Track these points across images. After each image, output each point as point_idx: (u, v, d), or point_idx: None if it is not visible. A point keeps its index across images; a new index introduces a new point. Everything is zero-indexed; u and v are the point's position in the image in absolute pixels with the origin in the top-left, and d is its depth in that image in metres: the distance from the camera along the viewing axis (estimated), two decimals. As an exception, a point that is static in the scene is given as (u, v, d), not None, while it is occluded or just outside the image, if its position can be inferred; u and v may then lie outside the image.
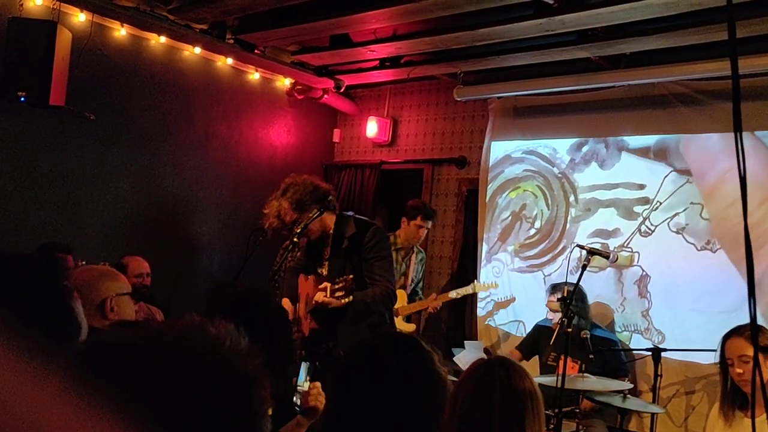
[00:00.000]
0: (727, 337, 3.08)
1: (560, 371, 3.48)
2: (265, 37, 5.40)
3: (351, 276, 3.47)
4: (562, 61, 5.03)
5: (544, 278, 5.35)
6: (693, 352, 4.30)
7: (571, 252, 4.54)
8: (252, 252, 3.96)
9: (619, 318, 4.98)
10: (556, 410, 3.42)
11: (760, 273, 4.26)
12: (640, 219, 4.97)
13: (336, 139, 6.97)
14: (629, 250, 4.99)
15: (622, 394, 3.63)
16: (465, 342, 5.07)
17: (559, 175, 5.44)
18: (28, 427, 0.58)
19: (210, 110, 5.92)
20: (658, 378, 3.92)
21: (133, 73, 5.39)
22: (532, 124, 5.63)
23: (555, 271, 5.27)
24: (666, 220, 4.85)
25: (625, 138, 5.12)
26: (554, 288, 4.74)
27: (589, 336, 4.22)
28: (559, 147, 5.47)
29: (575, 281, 3.80)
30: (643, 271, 4.92)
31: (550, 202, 5.48)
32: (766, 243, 4.32)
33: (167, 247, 5.51)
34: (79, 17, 4.97)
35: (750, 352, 2.94)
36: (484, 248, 5.78)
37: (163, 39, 5.42)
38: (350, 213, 3.90)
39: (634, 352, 4.70)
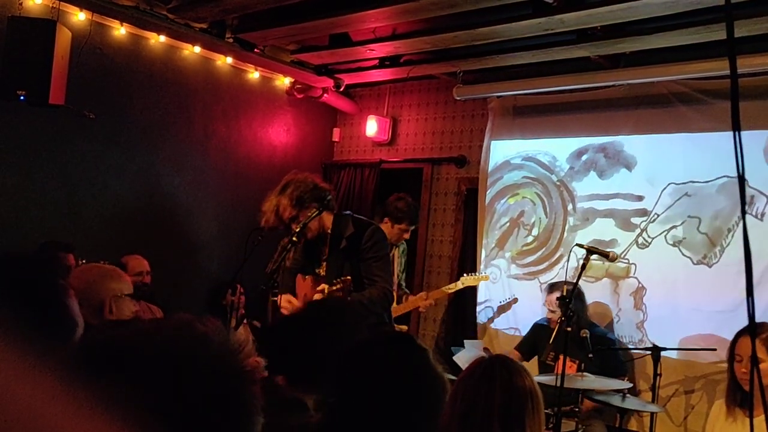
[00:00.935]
0: (741, 334, 3.10)
1: (559, 370, 3.48)
2: (264, 36, 5.40)
3: (349, 277, 3.46)
4: (561, 61, 5.03)
5: (540, 285, 5.34)
6: (692, 351, 4.31)
7: (570, 256, 4.52)
8: (251, 251, 3.96)
9: (614, 328, 4.96)
10: (556, 409, 3.42)
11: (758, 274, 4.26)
12: (638, 230, 4.95)
13: (335, 138, 6.97)
14: (626, 261, 4.98)
15: (621, 394, 3.63)
16: (465, 341, 5.06)
17: (558, 183, 5.43)
18: (22, 425, 0.58)
19: (209, 109, 5.92)
20: (658, 377, 3.92)
21: (133, 72, 5.39)
22: (531, 123, 5.62)
23: (552, 278, 5.24)
24: (663, 232, 4.83)
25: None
26: (552, 287, 4.74)
27: (588, 335, 4.22)
28: (559, 154, 5.46)
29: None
30: (639, 282, 4.91)
31: (548, 209, 5.47)
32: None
33: (167, 245, 5.51)
34: (79, 16, 4.97)
35: (763, 354, 2.98)
36: (483, 253, 5.77)
37: (162, 38, 5.42)
38: (348, 213, 3.88)
39: (633, 351, 4.70)
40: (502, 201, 5.73)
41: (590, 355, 4.12)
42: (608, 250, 4.78)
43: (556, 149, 5.47)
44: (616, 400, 3.64)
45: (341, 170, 6.74)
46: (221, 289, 5.53)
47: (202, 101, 5.86)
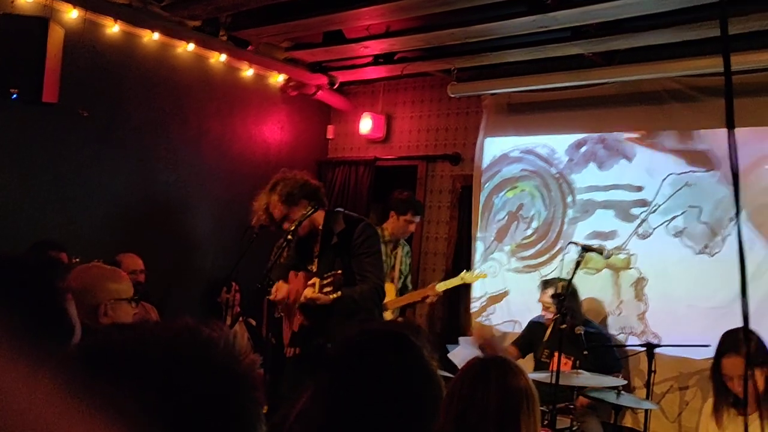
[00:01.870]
0: (722, 355, 3.13)
1: (554, 367, 3.49)
2: (258, 33, 5.39)
3: (339, 271, 3.46)
4: (555, 58, 5.04)
5: (540, 278, 5.35)
6: (686, 347, 4.32)
7: (565, 252, 4.53)
8: (246, 249, 3.96)
9: (615, 320, 4.98)
10: (551, 407, 3.44)
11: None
12: (638, 221, 4.96)
13: (330, 135, 6.96)
14: (626, 252, 4.99)
15: (616, 390, 3.64)
16: (459, 338, 5.07)
17: (557, 176, 5.44)
18: (21, 428, 0.58)
19: (203, 107, 5.90)
20: (652, 374, 3.94)
21: (127, 69, 5.37)
22: (525, 120, 5.63)
23: (551, 271, 5.23)
24: (664, 222, 4.84)
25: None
26: (546, 284, 4.75)
27: (583, 332, 4.23)
28: (557, 147, 5.46)
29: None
30: (640, 273, 4.92)
31: (547, 202, 5.48)
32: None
33: (161, 243, 5.49)
34: (72, 14, 4.95)
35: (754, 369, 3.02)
36: (481, 247, 5.78)
37: (156, 36, 5.40)
38: (340, 209, 3.89)
39: (627, 348, 4.72)
40: (501, 194, 5.73)
41: (585, 352, 4.13)
42: (605, 244, 4.82)
43: (555, 141, 5.48)
44: (610, 397, 3.65)
45: (336, 168, 6.74)
46: (216, 286, 5.54)
47: (196, 99, 5.84)
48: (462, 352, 4.68)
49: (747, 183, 4.36)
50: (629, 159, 5.08)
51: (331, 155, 6.95)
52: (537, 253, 5.48)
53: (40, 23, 4.39)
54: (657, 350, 3.99)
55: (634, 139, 5.07)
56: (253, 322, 5.50)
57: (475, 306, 5.74)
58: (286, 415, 1.78)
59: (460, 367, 1.95)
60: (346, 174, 6.61)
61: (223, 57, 5.85)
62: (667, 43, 4.51)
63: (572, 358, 4.37)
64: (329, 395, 1.58)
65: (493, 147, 5.79)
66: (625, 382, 4.22)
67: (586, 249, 3.86)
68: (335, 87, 6.35)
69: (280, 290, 3.75)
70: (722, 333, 3.36)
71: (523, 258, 5.55)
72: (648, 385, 3.94)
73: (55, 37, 4.48)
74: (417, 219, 5.29)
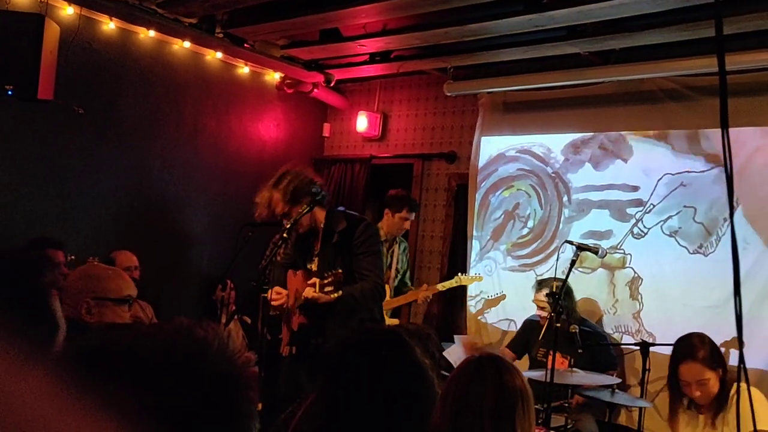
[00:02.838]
0: (679, 362, 3.24)
1: (549, 366, 3.50)
2: (254, 31, 5.38)
3: (340, 270, 3.45)
4: (552, 57, 5.04)
5: (536, 277, 5.35)
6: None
7: (561, 251, 4.53)
8: (242, 247, 3.96)
9: (610, 319, 4.99)
10: (546, 405, 3.44)
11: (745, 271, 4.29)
12: (633, 221, 4.97)
13: (326, 133, 6.96)
14: (621, 251, 5.00)
15: (610, 389, 3.65)
16: (455, 336, 5.08)
17: (553, 175, 5.44)
18: (15, 427, 0.58)
19: (199, 104, 5.90)
20: (647, 372, 3.94)
21: (122, 66, 5.36)
22: (521, 119, 5.64)
23: (547, 270, 5.24)
24: (659, 222, 4.86)
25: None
26: (541, 284, 4.75)
27: (578, 330, 4.24)
28: (553, 146, 5.46)
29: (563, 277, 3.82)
30: (635, 273, 4.93)
31: (543, 201, 5.49)
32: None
33: (157, 241, 5.49)
34: (67, 10, 4.94)
35: (707, 375, 3.23)
36: (477, 246, 5.79)
37: (152, 33, 5.39)
38: (341, 208, 3.88)
39: (622, 346, 4.73)
40: (497, 193, 5.74)
41: (580, 351, 4.14)
42: (600, 243, 4.82)
43: (551, 141, 5.49)
44: (605, 396, 3.66)
45: (331, 165, 6.74)
46: (211, 284, 5.54)
47: (192, 96, 5.84)
48: (457, 350, 4.69)
49: (742, 179, 4.37)
50: (625, 159, 5.09)
51: (327, 153, 6.95)
52: (533, 252, 5.49)
53: (35, 20, 4.38)
54: (651, 349, 3.99)
55: (630, 139, 5.08)
56: (248, 320, 5.50)
57: (471, 304, 5.75)
58: (293, 412, 1.79)
59: (455, 366, 1.96)
60: (342, 172, 6.61)
61: (220, 54, 5.84)
62: (662, 43, 4.52)
63: (567, 357, 4.39)
64: (327, 395, 1.59)
65: (490, 146, 5.80)
66: (620, 380, 4.23)
67: (581, 248, 3.87)
68: (331, 85, 6.34)
69: (281, 295, 3.74)
70: (676, 339, 3.48)
71: (519, 257, 5.56)
72: (642, 383, 3.95)
73: (51, 33, 4.47)
74: (412, 216, 5.30)
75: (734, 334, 1.29)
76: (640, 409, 4.00)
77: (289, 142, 6.61)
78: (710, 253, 4.62)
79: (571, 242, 3.95)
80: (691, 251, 4.70)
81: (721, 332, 4.39)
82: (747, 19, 3.89)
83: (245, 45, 5.62)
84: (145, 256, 4.84)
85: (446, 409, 1.70)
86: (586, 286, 4.98)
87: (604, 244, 4.94)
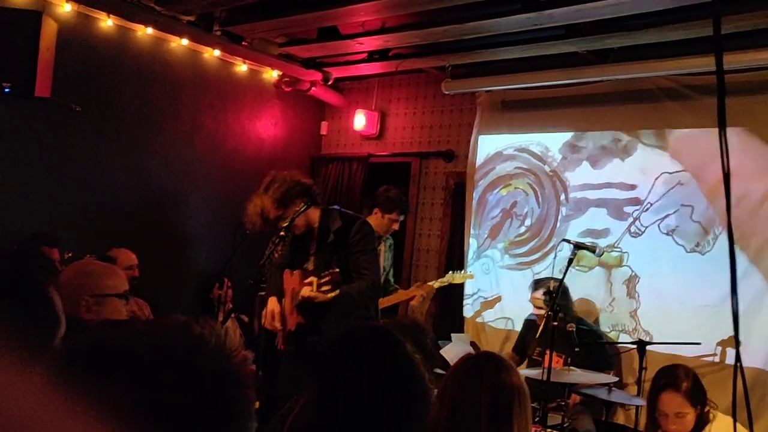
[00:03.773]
0: (661, 390, 3.16)
1: (546, 365, 3.50)
2: (252, 29, 5.38)
3: (337, 269, 3.46)
4: (550, 55, 5.04)
5: (533, 276, 5.35)
6: (677, 345, 4.34)
7: (558, 249, 4.52)
8: (239, 245, 3.96)
9: (607, 318, 4.99)
10: (542, 404, 3.45)
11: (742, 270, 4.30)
12: (630, 219, 4.98)
13: (324, 131, 6.96)
14: (619, 250, 5.00)
15: (607, 387, 3.66)
16: (452, 335, 5.08)
17: (551, 173, 5.44)
18: (12, 426, 0.58)
19: (197, 102, 5.89)
20: (643, 371, 3.95)
21: (120, 64, 5.35)
22: (519, 117, 5.64)
23: (545, 269, 5.25)
24: (656, 221, 4.86)
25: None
26: (537, 284, 4.76)
27: (574, 329, 4.25)
28: (551, 144, 5.46)
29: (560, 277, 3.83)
30: (632, 271, 4.94)
31: (540, 200, 5.49)
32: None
33: (154, 239, 5.48)
34: (65, 7, 4.93)
35: (686, 409, 3.10)
36: (474, 244, 5.79)
37: (150, 30, 5.38)
38: (336, 207, 3.88)
39: (619, 345, 4.74)
40: (495, 192, 5.74)
41: (576, 349, 4.15)
42: (597, 242, 4.83)
43: (549, 139, 5.49)
44: (602, 394, 3.67)
45: (329, 164, 6.73)
46: (209, 282, 5.54)
47: (190, 94, 5.83)
48: (454, 349, 4.69)
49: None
50: (622, 158, 5.09)
51: (324, 151, 6.95)
52: (530, 250, 5.49)
53: (33, 17, 4.36)
54: (648, 347, 4.00)
55: (627, 138, 5.08)
56: (246, 319, 5.50)
57: (468, 303, 5.75)
58: (291, 408, 1.79)
59: (452, 364, 1.96)
60: (340, 170, 6.61)
61: (217, 52, 5.83)
62: (661, 42, 4.51)
63: (564, 356, 4.39)
64: (318, 393, 1.59)
65: (487, 144, 5.80)
66: (617, 379, 4.24)
67: (578, 247, 3.87)
68: (329, 83, 6.34)
69: (275, 311, 3.74)
70: (659, 369, 3.36)
71: (516, 255, 5.56)
72: (639, 382, 3.96)
73: (48, 30, 4.45)
74: (402, 218, 5.13)
75: (731, 332, 1.29)
76: (637, 407, 4.01)
77: (287, 140, 6.61)
78: (707, 251, 4.63)
79: (568, 241, 3.95)
80: (688, 250, 4.71)
81: (717, 331, 4.41)
82: (745, 18, 3.89)
83: (243, 43, 5.61)
84: (142, 254, 4.83)
85: (443, 406, 1.70)
86: (583, 284, 4.98)
87: (602, 242, 4.95)
